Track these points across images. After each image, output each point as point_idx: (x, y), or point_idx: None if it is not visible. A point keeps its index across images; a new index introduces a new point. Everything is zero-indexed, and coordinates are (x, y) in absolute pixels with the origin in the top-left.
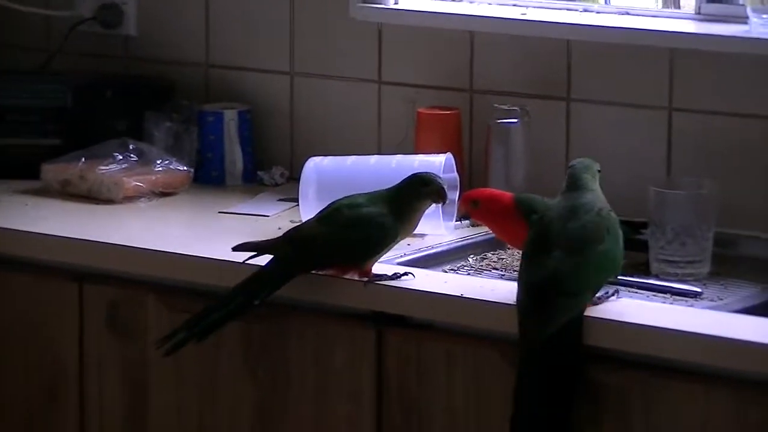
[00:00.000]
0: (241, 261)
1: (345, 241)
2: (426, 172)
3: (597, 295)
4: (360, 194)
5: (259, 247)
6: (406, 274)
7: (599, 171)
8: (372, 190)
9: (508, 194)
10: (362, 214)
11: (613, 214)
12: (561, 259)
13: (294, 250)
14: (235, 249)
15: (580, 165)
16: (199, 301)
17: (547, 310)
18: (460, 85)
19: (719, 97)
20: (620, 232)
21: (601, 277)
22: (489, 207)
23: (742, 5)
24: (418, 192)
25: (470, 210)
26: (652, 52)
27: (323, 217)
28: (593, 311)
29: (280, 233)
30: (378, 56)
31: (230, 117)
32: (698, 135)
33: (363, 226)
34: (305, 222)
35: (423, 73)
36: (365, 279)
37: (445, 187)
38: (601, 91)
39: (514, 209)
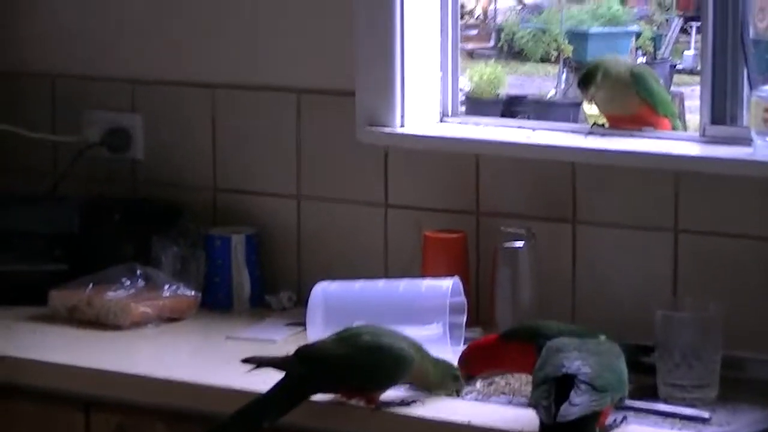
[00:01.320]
0: (249, 370)
1: (363, 366)
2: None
3: (606, 422)
4: (386, 328)
5: (270, 363)
6: (414, 401)
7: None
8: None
9: (491, 337)
10: (383, 342)
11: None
12: (580, 359)
13: (309, 368)
14: (245, 361)
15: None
16: (207, 428)
17: (569, 394)
18: (467, 208)
19: (725, 218)
20: (625, 362)
21: (615, 390)
22: (480, 360)
23: (746, 127)
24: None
25: (468, 374)
26: (657, 174)
27: (343, 338)
28: None
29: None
30: (384, 179)
31: (237, 241)
32: (704, 256)
33: (382, 355)
34: (320, 341)
35: (429, 196)
36: (372, 406)
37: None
38: (606, 213)
39: (505, 344)
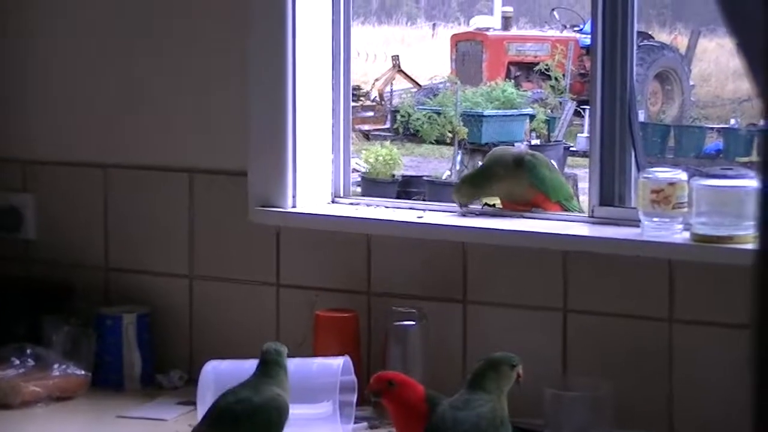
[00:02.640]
0: None
1: None
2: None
3: None
4: (235, 387)
5: None
6: None
7: (514, 366)
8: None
9: (420, 385)
10: (256, 404)
11: (506, 419)
12: None
13: None
14: None
15: (486, 363)
16: None
17: None
18: (358, 288)
19: (614, 298)
20: None
21: None
22: (402, 391)
23: (634, 209)
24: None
25: (384, 389)
26: (546, 254)
27: (214, 420)
28: None
29: None
30: (276, 259)
31: (129, 321)
32: (593, 336)
33: (264, 415)
34: (197, 429)
35: (321, 275)
36: None
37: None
38: (496, 292)
39: (423, 400)
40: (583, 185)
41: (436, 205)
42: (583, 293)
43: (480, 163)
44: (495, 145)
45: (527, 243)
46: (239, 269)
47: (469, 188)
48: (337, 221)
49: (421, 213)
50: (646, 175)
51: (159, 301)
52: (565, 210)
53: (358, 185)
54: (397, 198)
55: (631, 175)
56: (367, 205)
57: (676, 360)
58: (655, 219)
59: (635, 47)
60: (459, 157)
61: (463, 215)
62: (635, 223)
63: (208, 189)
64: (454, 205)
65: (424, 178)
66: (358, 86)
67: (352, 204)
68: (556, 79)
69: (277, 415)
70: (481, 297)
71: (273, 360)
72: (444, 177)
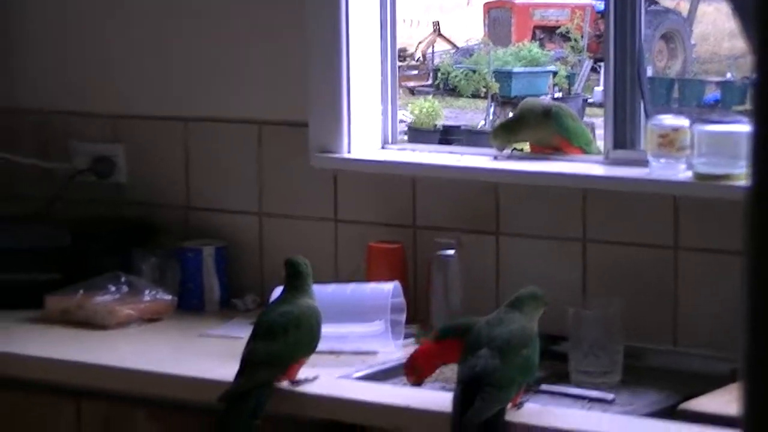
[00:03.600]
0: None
1: (301, 339)
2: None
3: (518, 401)
4: (272, 304)
5: (236, 391)
6: (316, 377)
7: (545, 303)
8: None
9: (425, 345)
10: (296, 314)
11: (534, 335)
12: (488, 357)
13: (266, 372)
14: (221, 399)
15: (525, 292)
16: (186, 415)
17: (475, 400)
18: (405, 223)
19: (626, 229)
20: (538, 346)
21: (522, 377)
22: (424, 366)
23: (643, 151)
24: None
25: (415, 373)
26: (567, 192)
27: (264, 333)
28: (516, 415)
29: None
30: (334, 199)
31: (208, 252)
32: (609, 262)
33: (306, 322)
34: (251, 345)
35: (372, 212)
36: (293, 381)
37: None
38: (524, 225)
39: (440, 344)
40: (600, 132)
41: (472, 150)
42: (599, 226)
43: (510, 114)
44: (523, 99)
45: (551, 182)
46: (302, 207)
47: (504, 133)
48: (387, 165)
49: (459, 157)
50: (653, 122)
51: (233, 236)
52: (585, 153)
53: (405, 134)
54: (439, 144)
55: (640, 122)
56: (413, 151)
57: (681, 282)
58: (661, 160)
59: (643, 11)
60: (492, 109)
61: (495, 158)
62: (645, 163)
63: (275, 138)
64: (489, 150)
65: (462, 127)
66: (404, 48)
67: (399, 150)
68: (575, 40)
69: (316, 321)
70: (511, 229)
71: (297, 272)
72: (479, 126)
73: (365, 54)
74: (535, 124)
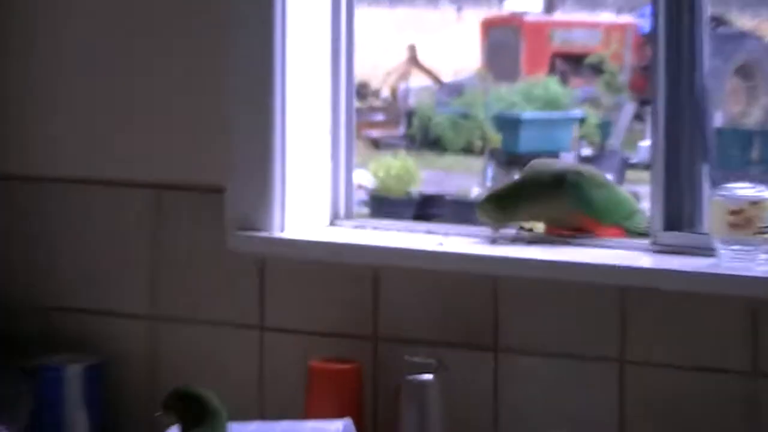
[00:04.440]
0: None
1: None
2: None
3: None
4: None
5: None
6: None
7: None
8: None
9: None
10: None
11: None
12: None
13: None
14: None
15: None
16: None
17: None
18: (363, 332)
19: (681, 346)
20: None
21: None
22: None
23: (707, 234)
24: None
25: None
26: (598, 291)
27: None
28: None
29: None
30: (259, 297)
31: (73, 372)
32: (655, 393)
33: None
34: None
35: (316, 317)
36: None
37: None
38: (535, 338)
39: None
40: (646, 205)
41: (460, 229)
42: (644, 340)
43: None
44: (535, 156)
45: (573, 276)
46: (212, 309)
47: (495, 208)
48: (337, 249)
49: (441, 239)
50: (722, 193)
51: (113, 349)
52: (627, 231)
53: (365, 205)
54: (414, 220)
55: (703, 192)
56: (375, 229)
57: (764, 422)
58: (733, 247)
59: (707, 35)
60: (491, 171)
61: (494, 242)
62: (709, 252)
63: (177, 208)
64: (483, 229)
65: (447, 197)
66: (365, 82)
67: (356, 227)
68: (611, 73)
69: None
70: (516, 344)
71: (200, 410)
72: (472, 195)
73: (309, 89)
74: (542, 197)
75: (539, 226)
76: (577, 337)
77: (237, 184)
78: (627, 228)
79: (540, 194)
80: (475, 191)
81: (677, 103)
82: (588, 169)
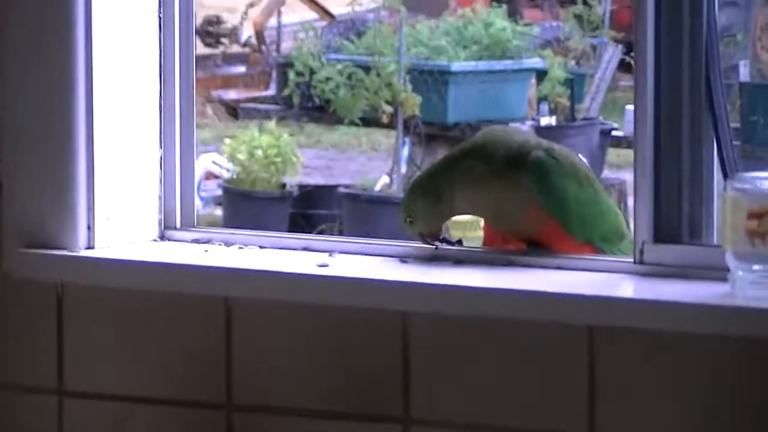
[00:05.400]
0: None
1: None
2: None
3: None
4: None
5: None
6: None
7: None
8: None
9: None
10: None
11: None
12: None
13: None
14: None
15: None
16: None
17: None
18: (208, 398)
19: (680, 410)
20: None
21: None
22: None
23: (717, 247)
24: None
25: None
26: (557, 333)
27: None
28: None
29: None
30: (57, 343)
31: None
32: None
33: None
34: None
35: (139, 372)
36: None
37: None
38: (463, 406)
39: None
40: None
41: (356, 242)
42: (623, 402)
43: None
44: (472, 128)
45: (521, 312)
46: None
47: (427, 204)
48: (170, 274)
49: (325, 258)
50: (739, 185)
51: None
52: (601, 251)
53: (218, 203)
54: (290, 228)
55: (711, 185)
56: (226, 245)
57: None
58: (755, 267)
59: None
60: (406, 150)
61: (404, 261)
62: (719, 274)
63: None
64: (391, 243)
65: (340, 189)
66: (217, 17)
67: (197, 242)
68: (585, 3)
69: None
70: (436, 413)
71: None
72: (378, 187)
73: (124, 31)
74: (492, 184)
75: (475, 235)
76: (526, 400)
77: (17, 179)
78: (605, 251)
79: (490, 177)
80: (383, 181)
81: (674, 46)
82: (565, 151)
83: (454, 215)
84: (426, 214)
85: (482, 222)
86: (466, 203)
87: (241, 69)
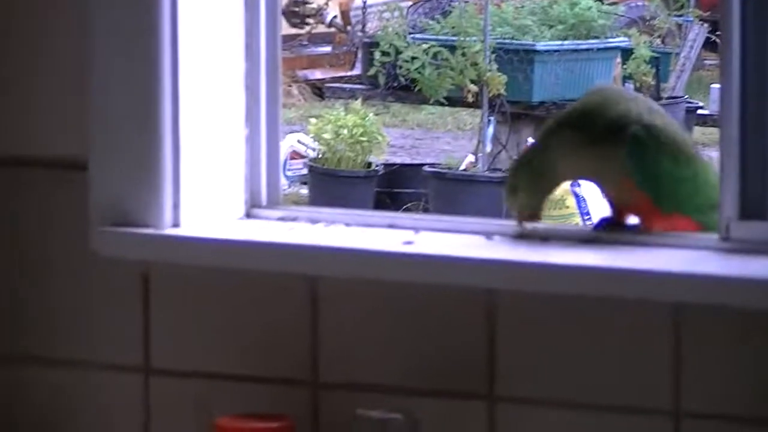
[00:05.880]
0: None
1: None
2: None
3: None
4: None
5: None
6: None
7: None
8: None
9: None
10: None
11: None
12: None
13: None
14: None
15: None
16: None
17: None
18: (294, 375)
19: (765, 390)
20: None
21: None
22: None
23: None
24: None
25: None
26: (640, 310)
27: None
28: None
29: None
30: (144, 321)
31: None
32: None
33: None
34: None
35: (224, 353)
36: None
37: None
38: (548, 382)
39: None
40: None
41: (441, 219)
42: (708, 383)
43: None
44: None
45: (607, 290)
46: (73, 340)
47: (530, 177)
48: (255, 252)
49: (411, 235)
50: None
51: None
52: (698, 227)
53: (303, 182)
54: (375, 207)
55: None
56: (312, 222)
57: None
58: None
59: None
60: (491, 129)
61: (489, 239)
62: None
63: (15, 190)
64: (478, 221)
65: (426, 168)
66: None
67: (283, 219)
68: None
69: None
70: (520, 390)
71: None
72: (463, 166)
73: (210, 16)
74: (596, 153)
75: (559, 213)
76: (613, 379)
77: (104, 158)
78: (701, 224)
79: (588, 146)
80: (469, 160)
81: (760, 24)
82: (666, 124)
83: (559, 185)
84: (530, 188)
85: (567, 201)
86: (568, 172)
87: (326, 49)
